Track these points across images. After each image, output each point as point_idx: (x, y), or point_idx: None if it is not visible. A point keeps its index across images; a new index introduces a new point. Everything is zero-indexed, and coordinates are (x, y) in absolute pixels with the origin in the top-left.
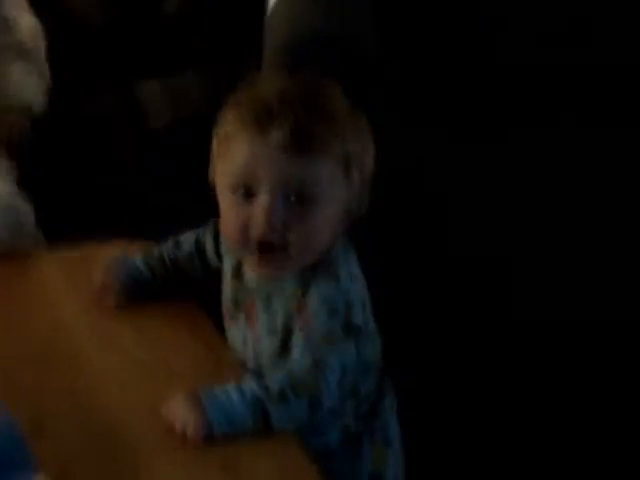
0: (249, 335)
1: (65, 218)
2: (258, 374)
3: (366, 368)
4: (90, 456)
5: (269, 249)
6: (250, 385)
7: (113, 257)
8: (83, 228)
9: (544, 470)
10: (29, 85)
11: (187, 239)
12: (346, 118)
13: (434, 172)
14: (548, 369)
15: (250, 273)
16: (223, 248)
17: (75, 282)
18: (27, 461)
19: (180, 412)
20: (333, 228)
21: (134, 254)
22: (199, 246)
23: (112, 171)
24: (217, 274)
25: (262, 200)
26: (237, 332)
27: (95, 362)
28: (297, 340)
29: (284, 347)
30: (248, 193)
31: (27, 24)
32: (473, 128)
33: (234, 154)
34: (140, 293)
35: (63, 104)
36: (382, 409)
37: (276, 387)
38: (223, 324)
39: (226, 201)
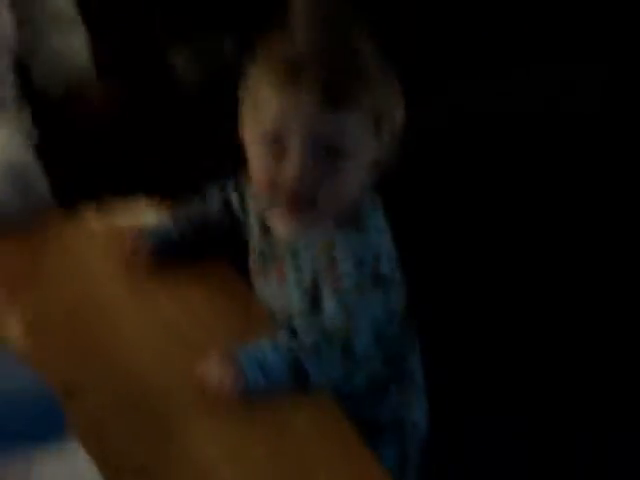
0: (278, 290)
1: (85, 186)
2: (290, 329)
3: (392, 314)
4: (124, 418)
5: (298, 203)
6: (284, 340)
7: (142, 215)
8: (106, 195)
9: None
10: (75, 52)
11: (213, 195)
12: (377, 72)
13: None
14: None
15: (277, 228)
16: (250, 203)
17: (103, 245)
18: (61, 425)
19: (216, 371)
20: (362, 181)
21: (162, 215)
22: (226, 201)
23: (143, 136)
24: (245, 228)
25: (292, 154)
26: (266, 287)
27: (127, 323)
28: (327, 292)
29: (313, 301)
30: (278, 146)
31: None
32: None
33: (264, 107)
34: (170, 253)
35: (97, 68)
36: (407, 353)
37: (309, 340)
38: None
39: (256, 153)
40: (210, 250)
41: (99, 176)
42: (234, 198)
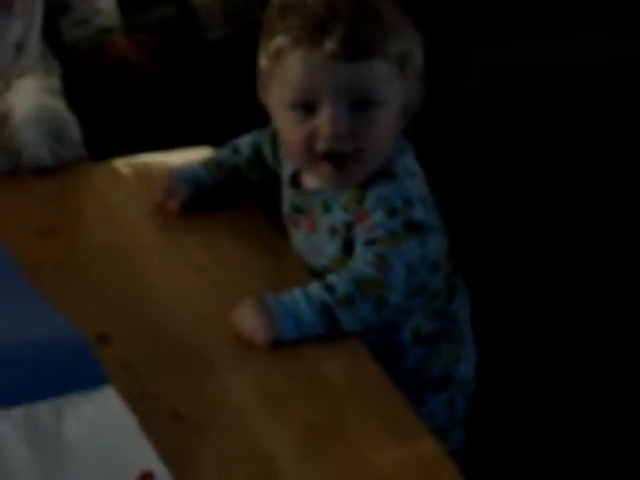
0: (311, 239)
1: (115, 138)
2: (324, 280)
3: (433, 265)
4: (158, 364)
5: (339, 158)
6: (316, 290)
7: (174, 164)
8: (133, 144)
9: None
10: (106, 9)
11: (244, 144)
12: (393, 17)
13: None
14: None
15: (308, 179)
16: (282, 154)
17: (133, 191)
18: (96, 373)
19: (248, 318)
20: (394, 127)
21: (194, 161)
22: (257, 150)
23: (172, 89)
24: (276, 177)
25: (326, 111)
26: (299, 237)
27: (159, 270)
28: (359, 241)
29: (347, 248)
30: (309, 108)
31: None
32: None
33: (289, 71)
34: (202, 199)
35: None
36: (455, 308)
37: (342, 290)
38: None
39: (285, 119)
40: (242, 197)
41: (130, 128)
42: (267, 148)
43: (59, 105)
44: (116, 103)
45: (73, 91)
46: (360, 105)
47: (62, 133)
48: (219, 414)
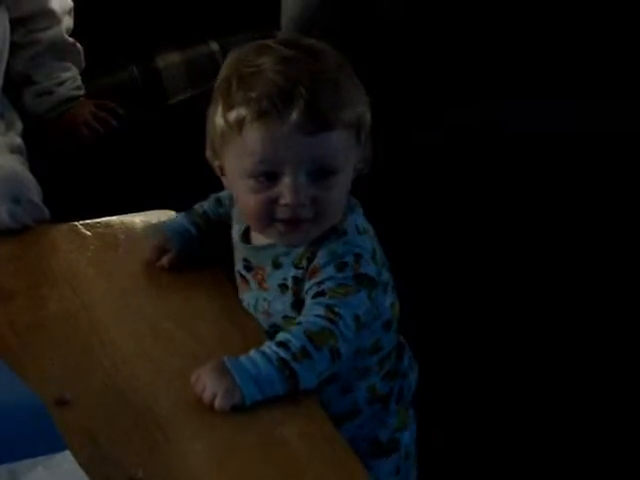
0: (261, 297)
1: (74, 198)
2: (276, 338)
3: (387, 323)
4: (116, 429)
5: (297, 224)
6: (272, 348)
7: (137, 226)
8: (93, 206)
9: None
10: (71, 79)
11: (225, 196)
12: (348, 81)
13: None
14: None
15: (259, 236)
16: (233, 214)
17: (94, 253)
18: (54, 438)
19: (209, 382)
20: (348, 188)
21: (180, 216)
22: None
23: (126, 148)
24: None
25: (287, 182)
26: (249, 295)
27: (119, 333)
28: (309, 295)
29: (297, 306)
30: (269, 177)
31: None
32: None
33: (250, 141)
34: (191, 252)
35: (84, 76)
36: (405, 368)
37: (297, 345)
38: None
39: (243, 186)
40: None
41: (91, 190)
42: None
43: (17, 165)
44: (78, 166)
45: (35, 153)
46: (320, 173)
47: (20, 194)
48: (175, 477)
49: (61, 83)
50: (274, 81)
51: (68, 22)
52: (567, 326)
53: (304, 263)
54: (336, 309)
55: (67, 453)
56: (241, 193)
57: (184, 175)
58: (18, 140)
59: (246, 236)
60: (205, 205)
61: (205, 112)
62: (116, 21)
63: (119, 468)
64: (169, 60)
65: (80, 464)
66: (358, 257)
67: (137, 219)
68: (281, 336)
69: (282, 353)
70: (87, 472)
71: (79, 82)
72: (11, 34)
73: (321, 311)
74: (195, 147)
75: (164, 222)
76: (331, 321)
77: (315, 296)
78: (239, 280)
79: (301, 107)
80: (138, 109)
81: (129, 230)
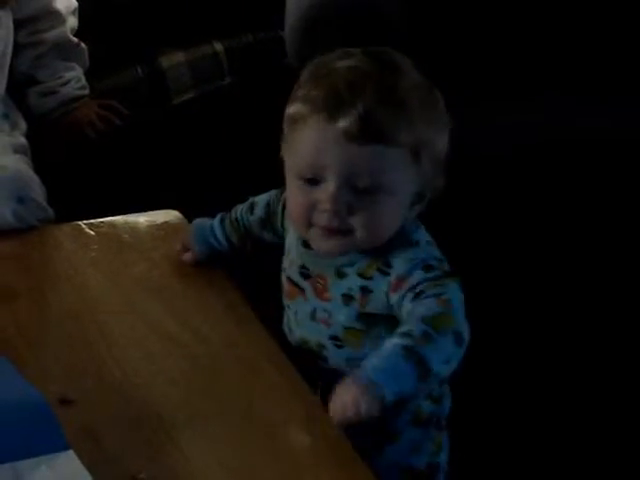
0: (320, 307)
1: (78, 198)
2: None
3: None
4: (119, 429)
5: (333, 232)
6: (392, 342)
7: (141, 226)
8: (98, 206)
9: None
10: (75, 78)
11: (261, 201)
12: (417, 103)
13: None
14: None
15: (316, 246)
16: (287, 221)
17: (99, 253)
18: (57, 437)
19: (346, 397)
20: (402, 214)
21: (216, 216)
22: (269, 210)
23: (131, 148)
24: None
25: (328, 187)
26: (304, 304)
27: (122, 334)
28: (406, 301)
29: (362, 318)
30: (314, 180)
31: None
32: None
33: (300, 140)
34: (211, 257)
35: (88, 76)
36: (443, 391)
37: (418, 331)
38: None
39: (292, 185)
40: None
41: (96, 190)
42: (278, 211)
43: (21, 165)
44: (82, 166)
45: (39, 153)
46: (364, 187)
47: (25, 194)
48: (179, 478)
49: (65, 83)
50: (335, 84)
51: (72, 22)
52: (580, 339)
53: (372, 273)
54: (443, 296)
55: (71, 452)
56: (290, 192)
57: (188, 175)
58: (22, 140)
59: (306, 243)
60: (239, 209)
61: (209, 112)
62: (120, 21)
63: (122, 468)
64: (173, 60)
65: (83, 464)
66: (439, 260)
67: (141, 219)
68: (399, 330)
69: (404, 341)
70: (90, 472)
71: (83, 82)
72: (15, 34)
73: (431, 301)
74: (199, 147)
75: (199, 220)
76: (445, 305)
77: (415, 298)
78: (288, 287)
79: (354, 115)
80: (142, 109)
81: (133, 230)
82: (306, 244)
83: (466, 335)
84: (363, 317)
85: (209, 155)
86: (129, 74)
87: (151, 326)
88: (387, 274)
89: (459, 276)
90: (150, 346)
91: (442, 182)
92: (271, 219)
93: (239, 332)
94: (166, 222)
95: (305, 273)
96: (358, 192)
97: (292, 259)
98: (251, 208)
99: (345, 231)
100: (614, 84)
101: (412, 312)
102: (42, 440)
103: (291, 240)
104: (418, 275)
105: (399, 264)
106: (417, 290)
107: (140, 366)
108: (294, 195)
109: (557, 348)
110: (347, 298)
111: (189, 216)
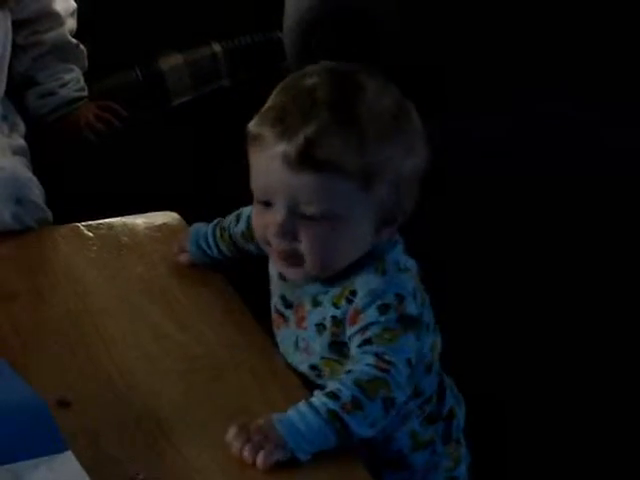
0: (300, 336)
1: (76, 199)
2: (323, 387)
3: (427, 366)
4: (118, 429)
5: (283, 258)
6: (320, 399)
7: (139, 227)
8: (96, 208)
9: None
10: (74, 80)
11: (244, 214)
12: (373, 129)
13: None
14: None
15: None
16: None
17: (96, 254)
18: (56, 439)
19: (255, 437)
20: (363, 240)
21: (212, 221)
22: (249, 225)
23: (129, 149)
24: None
25: (276, 212)
26: (288, 332)
27: (120, 335)
28: (354, 344)
29: (334, 347)
30: (268, 202)
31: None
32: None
33: (255, 160)
34: (204, 260)
35: (87, 77)
36: (447, 410)
37: (347, 395)
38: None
39: (254, 208)
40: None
41: (95, 192)
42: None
43: (19, 166)
44: (80, 167)
45: (38, 155)
46: (311, 215)
47: (23, 195)
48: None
49: (64, 84)
50: (289, 107)
51: (71, 24)
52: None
53: (343, 302)
54: (386, 357)
55: (69, 454)
56: (253, 213)
57: (187, 177)
58: (21, 142)
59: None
60: (228, 219)
61: (207, 114)
62: (119, 23)
63: (121, 469)
64: (172, 62)
65: (82, 465)
66: (400, 297)
67: (139, 220)
68: (331, 385)
69: (331, 405)
70: (89, 473)
71: (82, 83)
72: (14, 36)
73: (371, 360)
74: (197, 149)
75: (198, 224)
76: (383, 370)
77: (361, 344)
78: (275, 315)
79: (297, 141)
80: (141, 110)
81: (131, 231)
82: (282, 275)
83: (400, 399)
84: (336, 346)
85: (207, 156)
86: (128, 75)
87: (149, 327)
88: (352, 302)
89: (418, 320)
90: (148, 347)
91: (409, 205)
92: (252, 233)
93: (237, 334)
94: (164, 224)
95: (286, 302)
96: (305, 218)
97: (273, 289)
98: (237, 219)
99: (298, 257)
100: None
101: (352, 365)
102: (41, 442)
103: (271, 270)
104: (371, 315)
105: (360, 295)
106: (366, 336)
107: (138, 367)
108: (254, 215)
109: (556, 357)
110: (320, 327)
111: (187, 218)
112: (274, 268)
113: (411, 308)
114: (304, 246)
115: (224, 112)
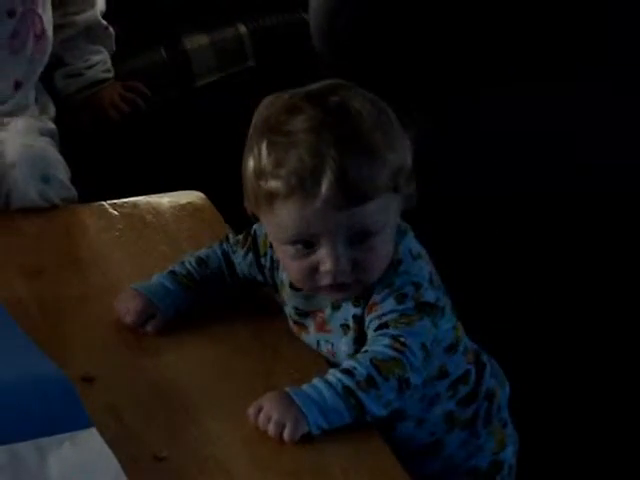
0: (323, 339)
1: (102, 178)
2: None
3: (449, 347)
4: (141, 407)
5: (341, 288)
6: (335, 376)
7: (163, 207)
8: (121, 187)
9: None
10: (101, 62)
11: (212, 255)
12: (381, 138)
13: None
14: None
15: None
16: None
17: (121, 233)
18: (80, 415)
19: (275, 414)
20: (392, 238)
21: (154, 277)
22: (227, 259)
23: (154, 129)
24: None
25: (325, 250)
26: (309, 339)
27: None
28: (372, 329)
29: (359, 342)
30: (308, 245)
31: None
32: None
33: (284, 215)
34: (179, 310)
35: (113, 57)
36: (487, 388)
37: (362, 373)
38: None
39: (284, 252)
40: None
41: (119, 171)
42: (239, 256)
43: (46, 146)
44: (106, 147)
45: (64, 134)
46: (358, 239)
47: (49, 174)
48: (200, 459)
49: (92, 66)
50: (302, 156)
51: (101, 5)
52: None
53: (361, 299)
54: (402, 339)
55: (93, 430)
56: (282, 257)
57: (211, 156)
58: (51, 125)
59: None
60: (187, 265)
61: (232, 95)
62: (145, 3)
63: (144, 446)
64: (197, 42)
65: (105, 441)
66: (417, 286)
67: (164, 199)
68: (347, 363)
69: (347, 381)
70: (112, 449)
71: (109, 65)
72: None
73: (387, 341)
74: (222, 129)
75: (140, 285)
76: (398, 351)
77: (378, 328)
78: (292, 325)
79: (331, 182)
80: (166, 91)
81: (156, 210)
82: (292, 285)
83: (414, 381)
84: (360, 340)
85: (232, 137)
86: (153, 56)
87: None
88: (371, 296)
89: (435, 306)
90: (172, 324)
91: (415, 195)
92: (231, 266)
93: (259, 312)
94: (189, 203)
95: (300, 312)
96: (354, 244)
97: (284, 297)
98: (201, 263)
99: (352, 283)
100: None
101: (368, 344)
102: (65, 418)
103: (283, 282)
104: (389, 304)
105: (378, 289)
106: (383, 321)
107: (162, 346)
108: (291, 262)
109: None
110: (345, 327)
111: (212, 197)
112: (287, 280)
113: (428, 295)
114: (360, 268)
115: (249, 93)
